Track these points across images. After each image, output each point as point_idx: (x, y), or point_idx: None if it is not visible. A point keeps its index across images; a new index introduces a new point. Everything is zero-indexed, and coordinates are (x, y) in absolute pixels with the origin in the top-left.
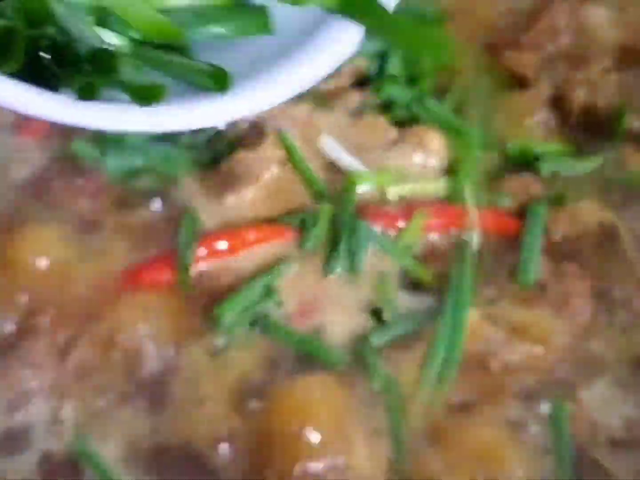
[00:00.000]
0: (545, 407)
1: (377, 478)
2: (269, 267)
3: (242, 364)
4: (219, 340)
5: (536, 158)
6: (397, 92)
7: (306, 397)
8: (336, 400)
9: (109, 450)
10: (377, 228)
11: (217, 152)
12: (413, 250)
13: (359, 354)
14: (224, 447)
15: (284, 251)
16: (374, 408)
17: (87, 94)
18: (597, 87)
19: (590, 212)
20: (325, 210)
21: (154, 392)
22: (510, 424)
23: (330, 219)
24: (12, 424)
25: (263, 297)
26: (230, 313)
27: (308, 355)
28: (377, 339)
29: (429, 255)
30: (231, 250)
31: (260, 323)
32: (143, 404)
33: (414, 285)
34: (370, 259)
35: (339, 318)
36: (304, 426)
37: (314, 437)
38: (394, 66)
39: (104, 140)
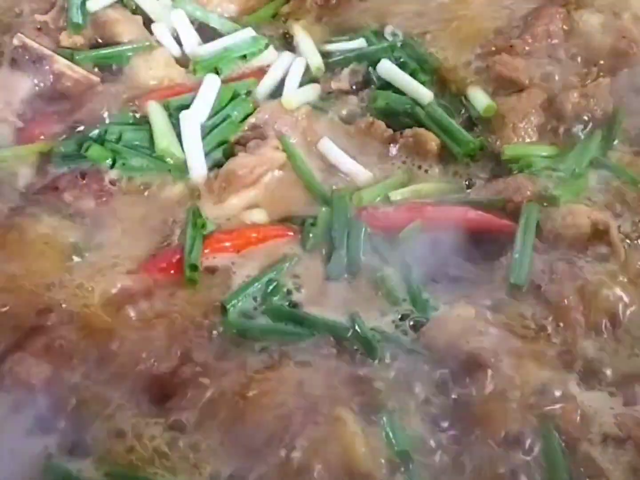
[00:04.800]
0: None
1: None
2: (271, 266)
3: None
4: None
5: (530, 160)
6: (393, 98)
7: None
8: None
9: None
10: (377, 229)
11: (220, 155)
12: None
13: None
14: None
15: (284, 251)
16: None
17: None
18: (590, 91)
19: (583, 212)
20: (325, 211)
21: None
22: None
23: (330, 220)
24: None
25: (268, 292)
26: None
27: None
28: None
29: None
30: (234, 249)
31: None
32: None
33: None
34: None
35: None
36: None
37: None
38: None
39: (111, 142)
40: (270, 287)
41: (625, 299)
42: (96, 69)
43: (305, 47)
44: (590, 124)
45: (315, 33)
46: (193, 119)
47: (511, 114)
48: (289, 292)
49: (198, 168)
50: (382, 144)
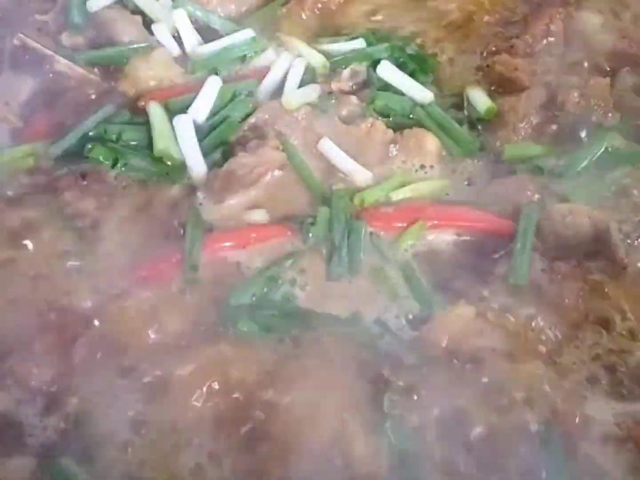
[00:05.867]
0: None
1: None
2: (272, 265)
3: None
4: None
5: (530, 160)
6: (393, 98)
7: None
8: None
9: None
10: (377, 229)
11: (220, 155)
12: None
13: None
14: None
15: (285, 250)
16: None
17: None
18: (590, 91)
19: (583, 212)
20: (325, 211)
21: None
22: None
23: (330, 220)
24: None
25: (270, 289)
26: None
27: None
28: None
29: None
30: (234, 249)
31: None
32: None
33: None
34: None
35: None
36: None
37: None
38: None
39: (112, 141)
40: (272, 285)
41: (625, 298)
42: (96, 69)
43: (305, 50)
44: (590, 124)
45: (315, 33)
46: (188, 122)
47: (511, 114)
48: (290, 290)
49: (197, 169)
50: (382, 144)
